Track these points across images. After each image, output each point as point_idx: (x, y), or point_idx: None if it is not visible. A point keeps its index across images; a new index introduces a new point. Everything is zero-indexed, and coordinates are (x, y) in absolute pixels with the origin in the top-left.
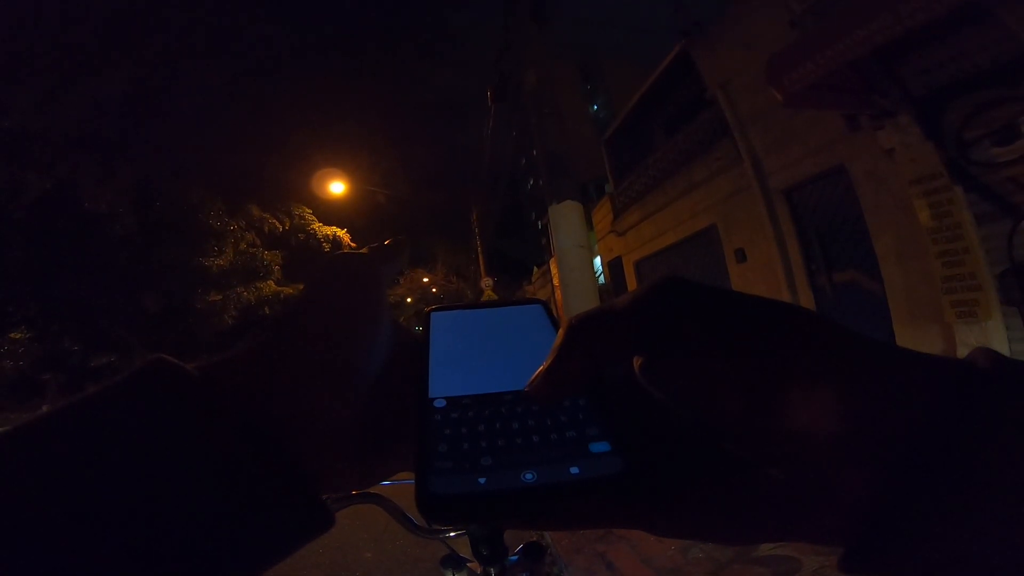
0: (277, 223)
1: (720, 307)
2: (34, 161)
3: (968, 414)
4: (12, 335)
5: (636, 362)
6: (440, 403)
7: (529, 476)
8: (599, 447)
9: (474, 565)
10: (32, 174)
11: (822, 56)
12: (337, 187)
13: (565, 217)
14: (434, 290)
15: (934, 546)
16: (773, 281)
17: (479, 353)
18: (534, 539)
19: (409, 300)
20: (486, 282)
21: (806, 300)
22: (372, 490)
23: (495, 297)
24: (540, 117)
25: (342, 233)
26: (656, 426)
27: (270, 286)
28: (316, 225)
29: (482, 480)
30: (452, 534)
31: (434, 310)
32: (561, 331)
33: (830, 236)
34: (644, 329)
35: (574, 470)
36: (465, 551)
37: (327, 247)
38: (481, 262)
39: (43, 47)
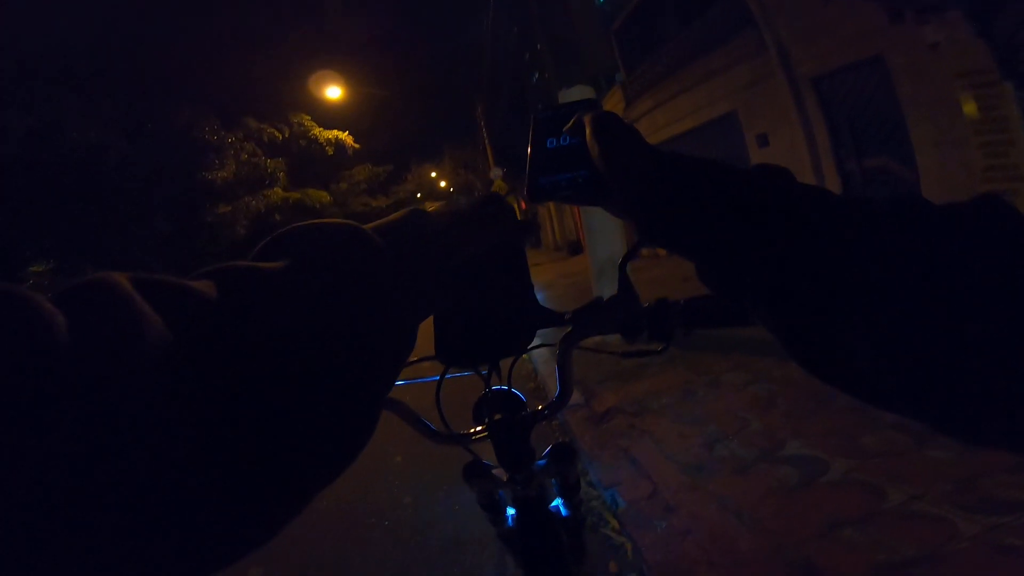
0: (276, 132)
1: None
2: (13, 102)
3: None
4: (33, 268)
5: None
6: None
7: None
8: None
9: (500, 471)
10: (13, 114)
11: None
12: (334, 91)
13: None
14: (442, 183)
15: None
16: (798, 165)
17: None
18: (562, 440)
19: (419, 195)
20: (495, 172)
21: (832, 184)
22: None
23: (505, 187)
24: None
25: (344, 136)
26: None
27: (277, 193)
28: (317, 131)
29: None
30: (474, 438)
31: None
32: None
33: (862, 124)
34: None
35: None
36: (488, 457)
37: (330, 151)
38: (489, 154)
39: None
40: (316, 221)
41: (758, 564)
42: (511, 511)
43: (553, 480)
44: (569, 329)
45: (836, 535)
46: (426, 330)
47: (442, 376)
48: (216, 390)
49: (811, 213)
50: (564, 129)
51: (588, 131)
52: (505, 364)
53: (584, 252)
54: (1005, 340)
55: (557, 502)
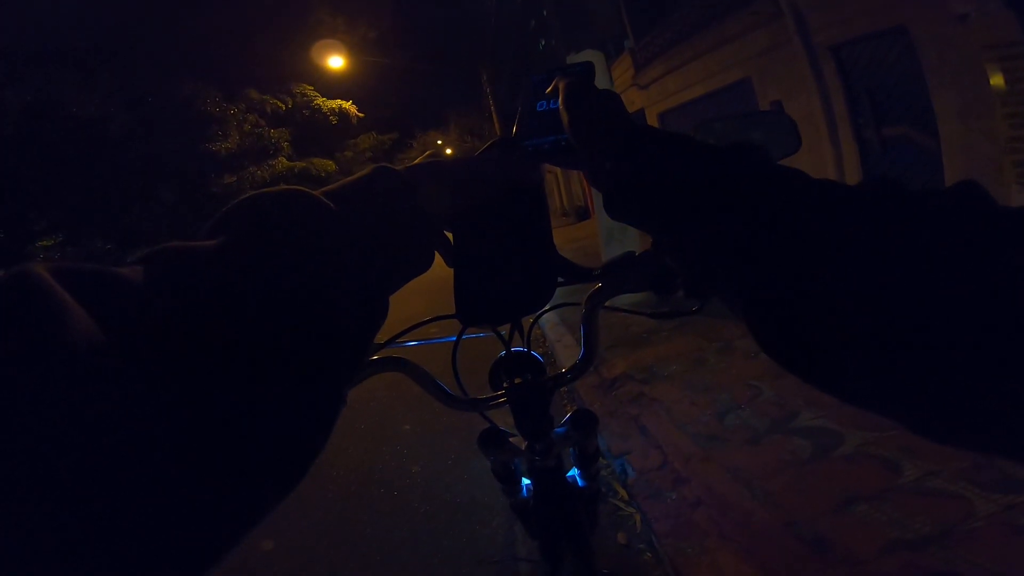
0: (279, 103)
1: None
2: (7, 78)
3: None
4: (42, 243)
5: None
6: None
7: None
8: None
9: (517, 439)
10: (9, 91)
11: None
12: (336, 61)
13: None
14: (448, 151)
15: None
16: (813, 133)
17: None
18: (581, 407)
19: None
20: None
21: (850, 153)
22: (396, 354)
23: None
24: None
25: (348, 105)
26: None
27: (282, 162)
28: (320, 100)
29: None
30: (491, 404)
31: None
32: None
33: (882, 93)
34: None
35: None
36: (503, 423)
37: (334, 120)
38: (495, 120)
39: None
40: (260, 190)
41: (770, 538)
42: (526, 481)
43: (571, 449)
44: (596, 286)
45: (850, 510)
46: (437, 290)
47: (459, 337)
48: (147, 383)
49: (779, 196)
50: (546, 92)
51: (560, 98)
52: (525, 325)
53: (592, 217)
54: (978, 333)
55: (574, 472)
